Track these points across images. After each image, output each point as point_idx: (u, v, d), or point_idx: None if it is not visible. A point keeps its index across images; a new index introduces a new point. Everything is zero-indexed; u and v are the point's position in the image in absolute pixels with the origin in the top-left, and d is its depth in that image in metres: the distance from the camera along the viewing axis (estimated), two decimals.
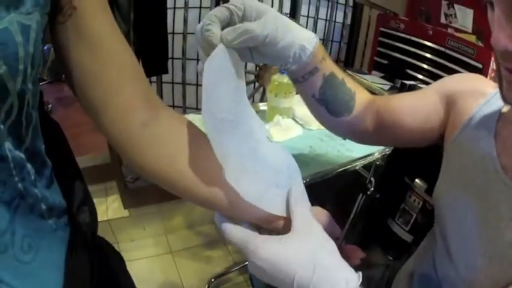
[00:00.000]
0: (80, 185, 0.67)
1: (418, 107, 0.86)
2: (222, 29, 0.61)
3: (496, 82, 0.64)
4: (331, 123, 0.91)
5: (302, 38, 0.72)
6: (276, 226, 0.63)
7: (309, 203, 0.64)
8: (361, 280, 0.55)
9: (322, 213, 0.70)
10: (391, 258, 2.10)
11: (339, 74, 0.83)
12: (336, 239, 0.69)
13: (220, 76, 0.59)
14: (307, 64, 0.76)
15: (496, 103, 0.75)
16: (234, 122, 0.60)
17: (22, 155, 0.49)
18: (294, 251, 0.55)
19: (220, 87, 0.59)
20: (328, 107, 0.85)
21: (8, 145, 0.46)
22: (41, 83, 3.36)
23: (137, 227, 2.49)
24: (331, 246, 0.58)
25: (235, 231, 0.58)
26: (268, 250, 0.55)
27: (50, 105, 3.89)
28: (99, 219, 2.09)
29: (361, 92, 0.89)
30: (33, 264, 0.52)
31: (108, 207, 2.60)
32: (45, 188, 0.55)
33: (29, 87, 0.47)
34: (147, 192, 2.54)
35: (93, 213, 0.68)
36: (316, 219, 0.62)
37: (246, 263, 0.61)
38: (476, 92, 0.80)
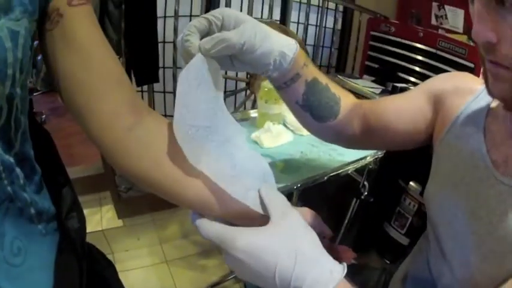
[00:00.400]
0: (69, 192, 0.68)
1: (404, 109, 0.86)
2: (201, 38, 0.62)
3: None
4: (317, 128, 0.91)
5: (282, 45, 0.72)
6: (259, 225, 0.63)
7: (284, 199, 0.63)
8: (345, 271, 0.54)
9: (310, 213, 0.70)
10: (388, 261, 2.10)
11: (322, 79, 0.83)
12: (326, 238, 0.70)
13: (195, 84, 0.61)
14: (288, 71, 0.75)
15: (484, 99, 0.75)
16: (211, 129, 0.62)
17: (11, 159, 0.50)
18: (274, 240, 0.53)
19: (194, 95, 0.60)
20: (312, 112, 0.84)
21: None
22: (34, 94, 3.40)
23: (131, 237, 2.47)
24: (312, 237, 0.57)
25: (211, 225, 0.57)
26: (246, 240, 0.53)
27: (43, 116, 3.89)
28: (94, 229, 2.09)
29: (346, 97, 0.89)
30: (22, 267, 0.52)
31: (102, 217, 2.58)
32: (35, 193, 0.56)
33: (18, 92, 0.48)
34: (141, 202, 2.53)
35: (81, 219, 0.69)
36: (304, 219, 0.61)
37: None
38: (464, 90, 0.80)
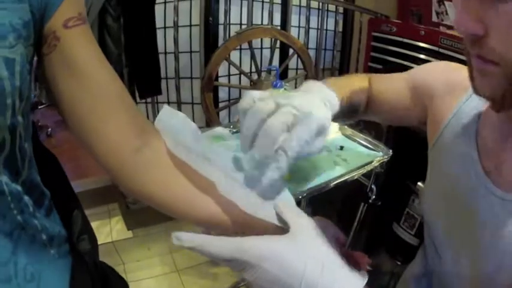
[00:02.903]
0: (79, 214, 0.68)
1: (388, 89, 0.88)
2: None
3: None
4: None
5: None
6: None
7: (300, 210, 0.60)
8: (366, 280, 0.51)
9: (324, 221, 0.68)
10: (398, 263, 2.09)
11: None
12: (342, 245, 0.69)
13: (172, 129, 0.62)
14: None
15: (476, 99, 0.65)
16: (210, 161, 0.61)
17: (19, 188, 0.50)
18: (299, 248, 0.50)
19: (177, 134, 0.61)
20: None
21: (4, 179, 0.47)
22: (39, 107, 3.39)
23: (142, 247, 2.48)
24: (333, 251, 0.53)
25: (223, 240, 0.49)
26: (272, 248, 0.48)
27: (49, 129, 3.90)
28: (104, 241, 2.09)
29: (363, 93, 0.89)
30: None
31: (112, 229, 2.58)
32: (45, 217, 0.56)
33: (19, 120, 0.47)
34: (149, 213, 2.53)
35: (93, 240, 0.69)
36: (320, 229, 0.59)
37: None
38: (454, 88, 0.75)
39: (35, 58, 0.54)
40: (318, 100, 0.65)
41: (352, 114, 0.87)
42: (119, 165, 0.59)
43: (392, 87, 0.88)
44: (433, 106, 0.78)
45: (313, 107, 0.60)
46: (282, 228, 0.58)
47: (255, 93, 0.62)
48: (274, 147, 0.56)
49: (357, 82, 0.87)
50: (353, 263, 0.59)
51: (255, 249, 0.48)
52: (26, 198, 0.51)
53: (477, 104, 0.70)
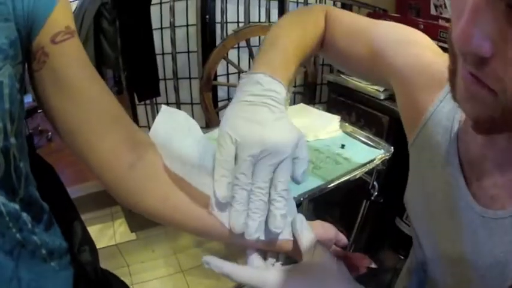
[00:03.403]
0: (78, 225, 0.68)
1: (345, 49, 0.78)
2: None
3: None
4: None
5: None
6: (285, 249, 0.61)
7: (311, 230, 0.61)
8: None
9: (326, 226, 0.68)
10: (402, 257, 2.09)
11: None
12: (343, 248, 0.69)
13: (168, 137, 0.60)
14: None
15: None
16: (206, 167, 0.59)
17: (17, 206, 0.50)
18: (310, 281, 0.54)
19: (171, 146, 0.60)
20: None
21: (1, 200, 0.47)
22: (38, 111, 3.37)
23: (146, 249, 2.48)
24: (342, 269, 0.57)
25: (246, 273, 0.57)
26: (289, 283, 0.54)
27: (49, 133, 3.90)
28: (107, 244, 2.09)
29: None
30: None
31: (115, 232, 2.59)
32: (44, 232, 0.56)
33: (12, 142, 0.47)
34: None
35: (93, 251, 0.69)
36: (322, 233, 0.62)
37: None
38: (434, 81, 0.65)
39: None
40: (273, 120, 0.58)
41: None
42: (114, 181, 0.59)
43: (351, 51, 0.77)
44: (407, 93, 0.71)
45: (276, 138, 0.56)
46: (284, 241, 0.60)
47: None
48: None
49: (309, 35, 0.76)
50: (351, 265, 0.62)
51: (267, 281, 0.54)
52: (24, 215, 0.51)
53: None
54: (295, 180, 0.58)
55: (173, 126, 0.61)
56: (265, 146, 0.54)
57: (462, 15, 0.34)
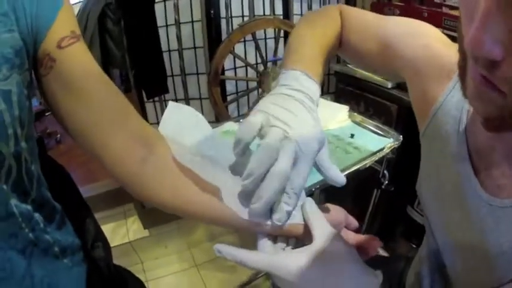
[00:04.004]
0: (91, 222, 0.69)
1: (357, 45, 0.80)
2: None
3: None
4: None
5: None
6: (295, 234, 0.61)
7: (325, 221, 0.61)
8: (381, 280, 0.54)
9: (337, 209, 0.68)
10: (414, 245, 2.09)
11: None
12: (354, 231, 0.69)
13: (178, 128, 0.62)
14: None
15: None
16: (217, 156, 0.61)
17: (29, 207, 0.51)
18: (321, 262, 0.54)
19: (183, 135, 0.62)
20: None
21: (14, 201, 0.48)
22: (46, 114, 3.39)
23: (159, 245, 2.50)
24: (352, 252, 0.57)
25: (257, 258, 0.56)
26: (298, 265, 0.53)
27: (58, 135, 3.92)
28: (121, 242, 2.11)
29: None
30: None
31: (129, 229, 2.61)
32: (57, 231, 0.57)
33: (23, 146, 0.48)
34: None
35: (106, 247, 0.70)
36: (331, 216, 0.63)
37: None
38: (444, 71, 0.66)
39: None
40: (306, 113, 0.59)
41: None
42: (127, 176, 0.60)
43: (363, 47, 0.79)
44: (418, 84, 0.72)
45: (307, 130, 0.57)
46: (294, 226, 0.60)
47: (256, 122, 0.55)
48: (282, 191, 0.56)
49: (329, 35, 0.77)
50: (363, 247, 0.63)
51: (283, 265, 0.54)
52: (37, 215, 0.53)
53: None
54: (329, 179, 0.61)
55: (181, 121, 0.63)
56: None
57: (473, 20, 0.34)
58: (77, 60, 0.55)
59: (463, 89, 0.45)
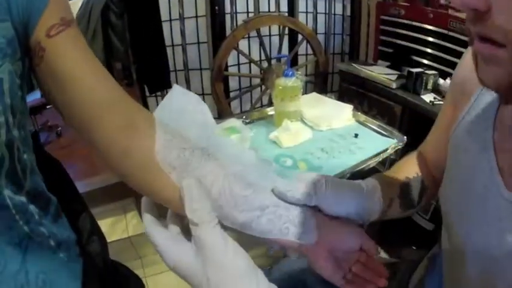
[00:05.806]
0: (87, 216, 0.69)
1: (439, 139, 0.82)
2: None
3: None
4: None
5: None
6: (298, 251, 0.61)
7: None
8: None
9: (354, 233, 0.66)
10: (415, 248, 2.08)
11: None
12: (371, 256, 0.66)
13: (176, 113, 0.61)
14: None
15: None
16: (208, 149, 0.60)
17: (23, 199, 0.50)
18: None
19: (180, 122, 0.61)
20: None
21: (7, 193, 0.48)
22: (47, 107, 3.39)
23: None
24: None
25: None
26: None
27: (59, 128, 3.92)
28: (120, 236, 2.09)
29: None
30: None
31: (128, 224, 2.59)
32: (52, 224, 0.57)
33: (16, 135, 0.48)
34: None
35: (102, 241, 0.70)
36: (336, 242, 0.63)
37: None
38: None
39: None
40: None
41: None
42: (112, 168, 0.59)
43: (440, 147, 0.80)
44: (461, 93, 0.74)
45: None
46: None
47: None
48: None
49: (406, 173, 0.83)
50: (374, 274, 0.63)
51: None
52: (31, 207, 0.52)
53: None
54: None
55: (182, 107, 0.61)
56: None
57: None
58: (66, 49, 0.53)
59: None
